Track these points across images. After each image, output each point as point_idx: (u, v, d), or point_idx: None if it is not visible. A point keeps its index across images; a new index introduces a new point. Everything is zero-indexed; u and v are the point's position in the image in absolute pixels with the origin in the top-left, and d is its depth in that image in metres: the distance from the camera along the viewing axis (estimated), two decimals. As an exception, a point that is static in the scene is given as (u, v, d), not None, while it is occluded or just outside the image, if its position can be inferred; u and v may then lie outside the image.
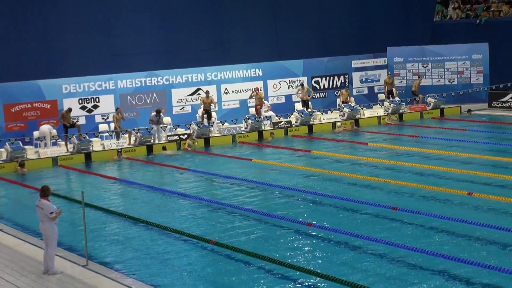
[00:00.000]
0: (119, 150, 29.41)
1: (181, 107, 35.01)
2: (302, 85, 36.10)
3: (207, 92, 33.39)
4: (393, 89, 37.38)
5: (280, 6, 39.04)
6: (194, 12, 36.69)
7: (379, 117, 35.22)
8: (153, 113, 32.41)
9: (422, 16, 42.28)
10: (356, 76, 39.74)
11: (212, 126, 32.71)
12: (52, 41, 33.40)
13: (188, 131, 31.61)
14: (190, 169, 26.06)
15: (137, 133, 30.81)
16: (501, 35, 39.68)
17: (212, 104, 33.25)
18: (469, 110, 36.00)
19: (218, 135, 32.45)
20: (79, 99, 32.66)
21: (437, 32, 42.36)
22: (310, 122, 33.99)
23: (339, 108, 35.85)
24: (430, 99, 36.73)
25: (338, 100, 37.47)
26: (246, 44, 37.99)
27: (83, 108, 32.74)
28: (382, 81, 39.82)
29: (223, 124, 33.04)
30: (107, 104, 33.07)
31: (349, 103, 36.11)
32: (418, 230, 16.95)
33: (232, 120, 33.41)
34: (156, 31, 35.80)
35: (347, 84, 38.84)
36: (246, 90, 36.08)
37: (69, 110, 30.72)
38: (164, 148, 29.98)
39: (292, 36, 39.24)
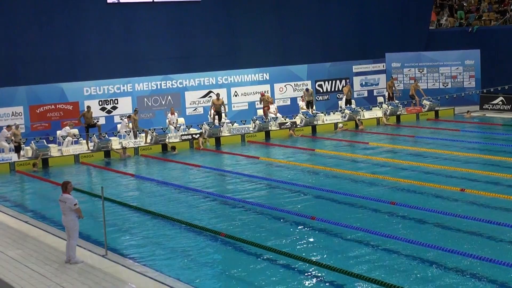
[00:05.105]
0: (124, 148, 29.25)
1: (194, 108, 35.01)
2: (307, 89, 36.06)
3: (217, 94, 33.37)
4: (394, 92, 37.32)
5: (286, 16, 39.00)
6: (206, 21, 36.67)
7: (378, 118, 35.16)
8: (169, 114, 32.58)
9: (418, 24, 42.17)
10: (356, 80, 39.69)
11: (222, 126, 32.68)
12: (74, 47, 33.45)
13: (200, 131, 31.59)
14: (202, 166, 26.04)
15: (153, 132, 30.81)
16: (491, 42, 39.54)
17: (223, 107, 33.23)
18: (468, 112, 35.86)
19: (228, 134, 32.41)
20: (99, 101, 32.70)
21: (432, 39, 42.24)
22: (314, 123, 33.93)
23: (341, 110, 35.80)
24: (425, 102, 36.62)
25: (340, 102, 37.40)
26: (255, 50, 37.95)
27: (103, 109, 32.77)
28: (381, 84, 39.80)
29: (232, 125, 33.01)
30: (125, 106, 33.10)
31: (352, 99, 36.57)
32: (414, 223, 16.89)
33: (241, 121, 33.39)
34: (171, 38, 35.81)
35: (347, 81, 38.74)
36: (255, 93, 36.10)
37: (88, 108, 30.67)
38: (173, 149, 29.88)
39: (297, 43, 39.19)
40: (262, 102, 34.59)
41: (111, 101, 32.99)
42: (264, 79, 36.86)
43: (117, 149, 29.24)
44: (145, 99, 33.82)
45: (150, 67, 34.91)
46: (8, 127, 29.14)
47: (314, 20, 39.85)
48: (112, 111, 33.01)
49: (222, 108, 33.23)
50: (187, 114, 34.56)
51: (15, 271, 14.34)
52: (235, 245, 15.79)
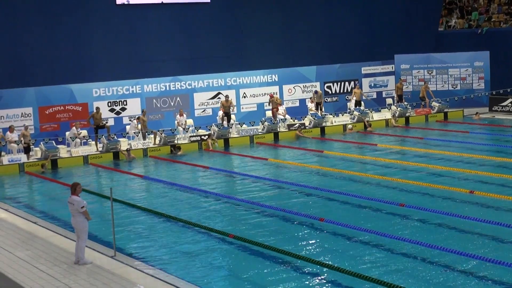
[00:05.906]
0: (128, 150, 29.26)
1: (203, 110, 35.04)
2: (316, 92, 36.03)
3: (226, 96, 33.40)
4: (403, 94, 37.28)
5: (294, 17, 38.99)
6: (215, 22, 36.71)
7: (386, 120, 35.10)
8: (177, 115, 32.60)
9: (427, 25, 42.09)
10: (365, 82, 39.64)
11: (231, 127, 32.69)
12: (83, 48, 33.54)
13: (208, 132, 31.60)
14: (211, 168, 26.05)
15: (161, 133, 30.84)
16: (501, 43, 39.44)
17: (231, 108, 33.24)
18: (477, 113, 35.75)
19: (237, 136, 32.42)
20: (108, 102, 32.76)
21: (441, 40, 42.17)
22: (323, 125, 33.90)
23: (350, 112, 35.73)
24: (434, 104, 36.55)
25: (349, 104, 37.34)
26: (263, 51, 37.96)
27: (111, 110, 32.84)
28: (389, 86, 39.73)
29: (241, 126, 33.02)
30: (134, 107, 33.16)
31: (362, 101, 36.35)
32: (423, 225, 16.85)
33: (250, 122, 33.38)
34: (179, 40, 35.86)
35: (356, 83, 38.63)
36: (263, 94, 36.12)
37: (97, 109, 30.69)
38: (178, 149, 29.89)
39: (305, 44, 39.18)
40: (271, 104, 34.57)
41: (120, 102, 33.06)
42: (273, 80, 36.86)
43: (122, 151, 29.29)
44: (154, 100, 33.88)
45: (159, 68, 34.96)
46: (11, 128, 29.19)
47: (322, 21, 39.83)
48: (121, 112, 33.08)
49: (231, 109, 33.26)
50: (195, 115, 34.59)
51: (24, 271, 14.38)
52: (243, 246, 15.78)
